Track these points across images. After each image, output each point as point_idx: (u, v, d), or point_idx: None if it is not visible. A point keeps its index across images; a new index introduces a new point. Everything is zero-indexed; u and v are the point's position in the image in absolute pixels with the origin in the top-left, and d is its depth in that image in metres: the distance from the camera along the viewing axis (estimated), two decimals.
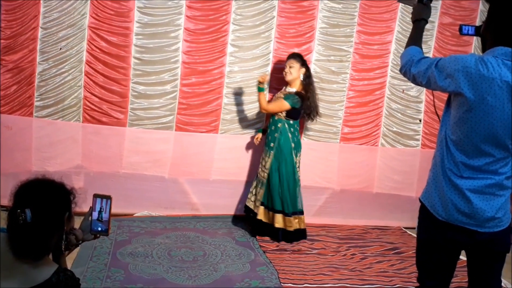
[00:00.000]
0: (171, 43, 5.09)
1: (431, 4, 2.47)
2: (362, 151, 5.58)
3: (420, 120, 5.63)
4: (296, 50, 5.25)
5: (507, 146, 2.13)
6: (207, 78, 5.20)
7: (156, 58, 5.10)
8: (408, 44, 2.42)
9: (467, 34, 2.36)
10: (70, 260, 3.72)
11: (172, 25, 5.07)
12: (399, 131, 5.62)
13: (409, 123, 5.63)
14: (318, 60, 5.33)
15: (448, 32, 5.50)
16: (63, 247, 1.89)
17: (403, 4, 5.15)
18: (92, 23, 4.95)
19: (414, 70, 2.29)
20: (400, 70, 2.41)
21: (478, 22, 5.50)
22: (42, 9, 4.84)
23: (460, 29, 2.36)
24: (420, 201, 2.35)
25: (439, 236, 2.28)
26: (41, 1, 4.83)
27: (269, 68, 5.26)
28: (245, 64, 5.23)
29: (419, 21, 2.43)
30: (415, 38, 2.42)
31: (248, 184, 5.29)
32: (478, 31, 2.28)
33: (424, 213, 2.33)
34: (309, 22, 5.28)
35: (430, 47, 5.48)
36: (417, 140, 5.67)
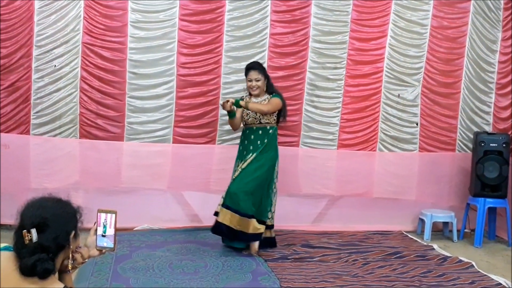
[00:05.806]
0: (166, 56, 5.12)
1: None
2: (360, 157, 5.58)
3: (416, 124, 5.63)
4: (291, 59, 5.28)
5: None
6: (203, 89, 5.22)
7: (151, 72, 5.12)
8: None
9: None
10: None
11: (166, 38, 5.10)
12: (396, 135, 5.62)
13: (406, 127, 5.63)
14: (313, 68, 5.35)
15: (440, 36, 5.51)
16: (69, 266, 1.87)
17: (395, 10, 5.19)
18: (86, 39, 4.97)
19: None
20: None
21: (470, 24, 5.51)
22: (35, 27, 4.88)
23: None
24: None
25: None
26: (35, 19, 4.86)
27: None
28: (241, 74, 5.23)
29: None
30: None
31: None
32: None
33: None
34: (302, 30, 5.30)
35: (423, 51, 5.49)
36: (415, 143, 5.67)
